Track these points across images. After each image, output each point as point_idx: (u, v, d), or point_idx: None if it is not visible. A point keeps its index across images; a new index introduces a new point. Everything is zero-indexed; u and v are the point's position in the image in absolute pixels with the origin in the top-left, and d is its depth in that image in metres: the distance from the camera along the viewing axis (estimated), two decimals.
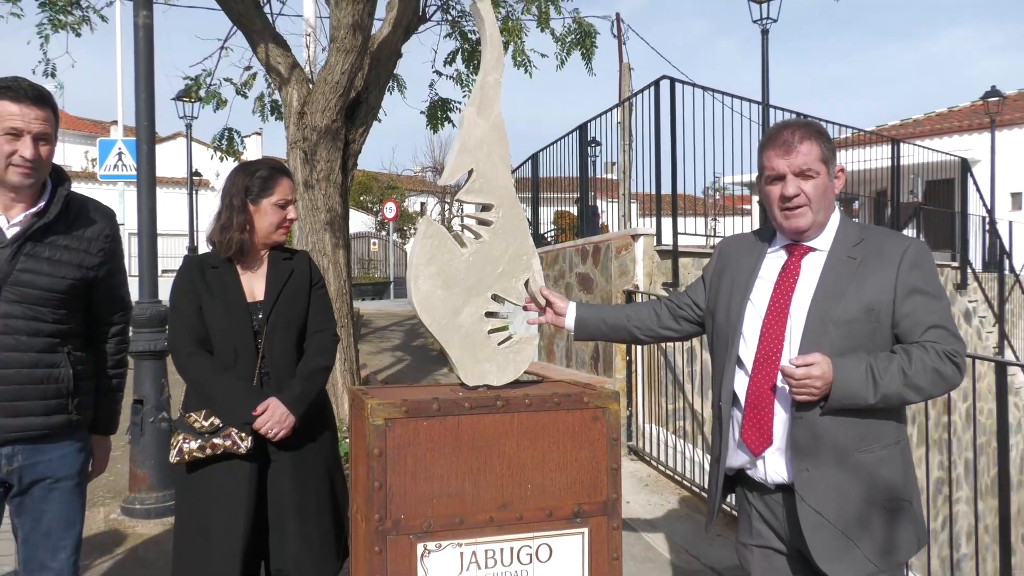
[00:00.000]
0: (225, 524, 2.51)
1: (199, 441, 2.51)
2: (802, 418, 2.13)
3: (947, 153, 13.79)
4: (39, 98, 2.28)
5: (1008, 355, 11.88)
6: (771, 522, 2.30)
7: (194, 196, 21.40)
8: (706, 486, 4.97)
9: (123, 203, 14.01)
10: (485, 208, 2.54)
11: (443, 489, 2.34)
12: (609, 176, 14.90)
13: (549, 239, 12.46)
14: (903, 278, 2.10)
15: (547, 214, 12.03)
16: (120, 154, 12.71)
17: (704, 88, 6.43)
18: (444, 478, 2.34)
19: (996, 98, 18.57)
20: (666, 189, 6.40)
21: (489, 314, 2.55)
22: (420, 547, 2.31)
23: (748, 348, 2.26)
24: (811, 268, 2.21)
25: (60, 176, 2.41)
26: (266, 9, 6.63)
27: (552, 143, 8.87)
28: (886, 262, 2.12)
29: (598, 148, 10.75)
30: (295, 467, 2.57)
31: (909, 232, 12.18)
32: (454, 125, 7.99)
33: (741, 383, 2.28)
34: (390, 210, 26.50)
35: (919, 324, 2.09)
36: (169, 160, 23.87)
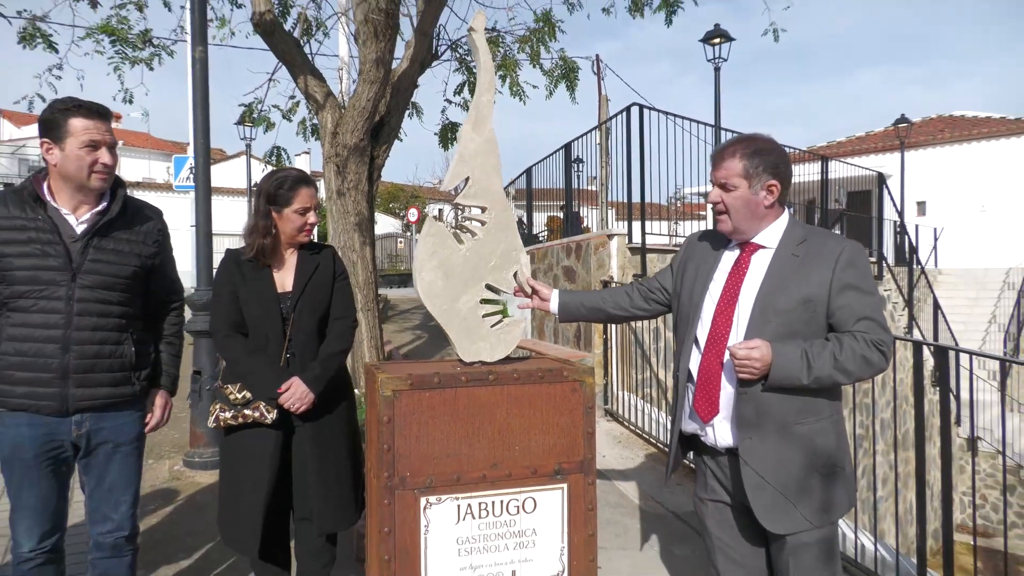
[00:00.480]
0: (253, 480, 2.38)
1: (232, 411, 2.37)
2: (746, 393, 2.00)
3: (866, 168, 13.61)
4: (104, 113, 2.22)
5: (916, 334, 11.75)
6: (722, 480, 2.17)
7: (251, 204, 21.23)
8: (668, 444, 4.85)
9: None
10: (480, 210, 2.40)
11: (443, 451, 2.20)
12: (591, 188, 14.87)
13: (541, 238, 12.30)
14: (839, 275, 1.96)
15: (540, 218, 11.93)
16: (192, 168, 12.54)
17: (667, 113, 6.27)
18: (444, 441, 2.20)
19: (905, 124, 18.48)
20: (636, 197, 6.26)
21: (483, 301, 2.40)
22: (423, 500, 2.17)
23: (703, 329, 2.12)
24: (760, 263, 2.07)
25: (118, 181, 2.30)
26: (306, 48, 6.45)
27: (542, 159, 8.72)
28: (825, 260, 1.98)
29: (581, 165, 10.62)
30: (315, 434, 2.43)
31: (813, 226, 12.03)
32: None
33: (695, 359, 2.14)
34: (413, 215, 26.43)
35: (851, 316, 1.95)
36: (233, 174, 23.65)
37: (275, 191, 2.43)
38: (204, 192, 4.29)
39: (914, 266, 12.95)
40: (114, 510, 2.31)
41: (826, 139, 25.13)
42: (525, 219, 10.40)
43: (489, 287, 2.40)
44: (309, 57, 6.08)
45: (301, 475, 2.45)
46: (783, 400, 1.97)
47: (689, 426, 2.19)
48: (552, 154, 8.29)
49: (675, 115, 6.35)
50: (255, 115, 7.01)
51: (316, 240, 2.65)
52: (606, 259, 6.12)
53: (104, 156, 2.18)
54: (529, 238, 9.94)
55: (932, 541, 7.86)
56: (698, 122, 6.63)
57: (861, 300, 1.96)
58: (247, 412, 2.35)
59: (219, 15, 6.20)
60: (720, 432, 2.09)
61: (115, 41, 4.95)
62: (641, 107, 6.01)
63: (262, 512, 2.35)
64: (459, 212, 2.48)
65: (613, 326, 6.00)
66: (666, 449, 4.86)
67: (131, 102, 6.59)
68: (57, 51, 4.88)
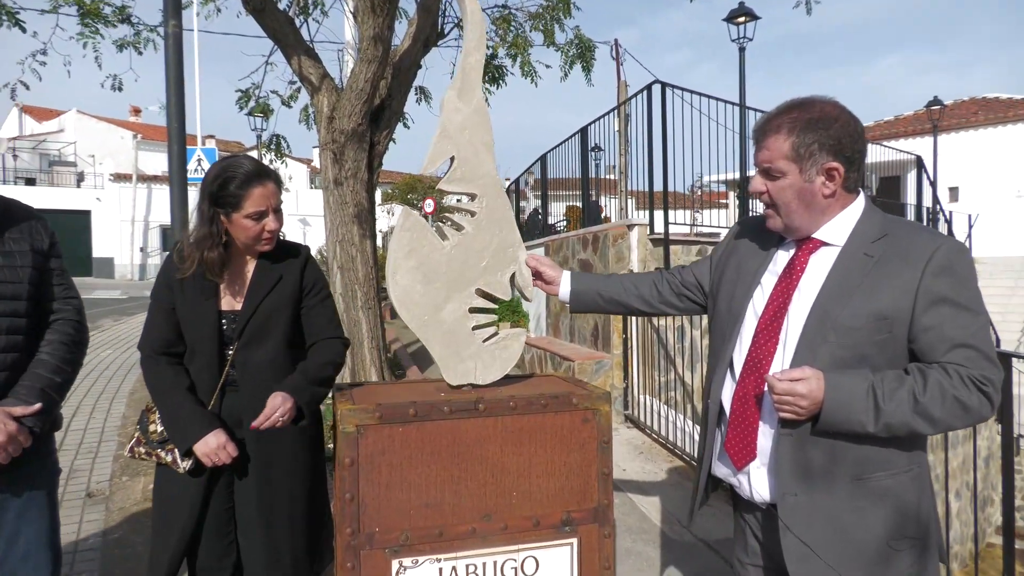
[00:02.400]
0: (170, 521, 1.95)
1: (146, 447, 1.94)
2: (790, 435, 1.50)
3: (904, 152, 12.89)
4: None
5: None
6: (764, 540, 1.68)
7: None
8: (696, 455, 4.37)
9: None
10: (468, 198, 1.93)
11: (421, 499, 1.75)
12: (611, 177, 14.38)
13: (560, 229, 11.80)
14: (928, 284, 1.43)
15: (560, 208, 11.44)
16: (199, 160, 12.22)
17: (692, 92, 5.75)
18: (422, 487, 1.75)
19: (938, 106, 17.70)
20: (658, 185, 5.75)
21: (473, 309, 1.94)
22: (396, 563, 1.73)
23: (740, 350, 1.64)
24: (820, 265, 1.56)
25: None
26: (304, 30, 5.99)
27: (558, 145, 8.21)
28: (909, 263, 1.45)
29: (600, 153, 10.11)
30: (263, 474, 1.97)
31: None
32: None
33: (728, 388, 1.66)
34: (429, 206, 26.01)
35: (943, 341, 1.43)
36: None
37: (220, 191, 1.92)
38: (180, 181, 3.87)
39: None
40: None
41: None
42: (540, 209, 9.91)
43: (480, 292, 1.94)
44: (304, 37, 5.63)
45: (245, 524, 1.99)
46: (841, 446, 1.48)
47: (720, 470, 1.72)
48: (567, 139, 7.77)
49: (701, 93, 5.83)
50: (252, 101, 6.56)
51: (287, 241, 2.15)
52: (625, 251, 5.63)
53: None
54: (545, 229, 9.45)
55: (970, 544, 7.32)
56: (724, 100, 6.09)
57: (959, 320, 1.44)
58: (160, 453, 1.92)
59: None
60: (757, 482, 1.61)
61: (84, 14, 4.53)
62: (664, 84, 5.49)
63: (176, 560, 1.91)
64: (443, 201, 2.00)
65: (633, 322, 5.51)
66: (692, 462, 4.38)
67: (120, 89, 6.20)
68: (24, 30, 4.49)
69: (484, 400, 1.80)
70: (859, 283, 1.48)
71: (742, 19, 11.84)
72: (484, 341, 1.95)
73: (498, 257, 1.94)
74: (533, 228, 10.39)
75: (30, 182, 30.50)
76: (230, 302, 1.99)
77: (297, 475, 2.00)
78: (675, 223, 6.28)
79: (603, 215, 13.18)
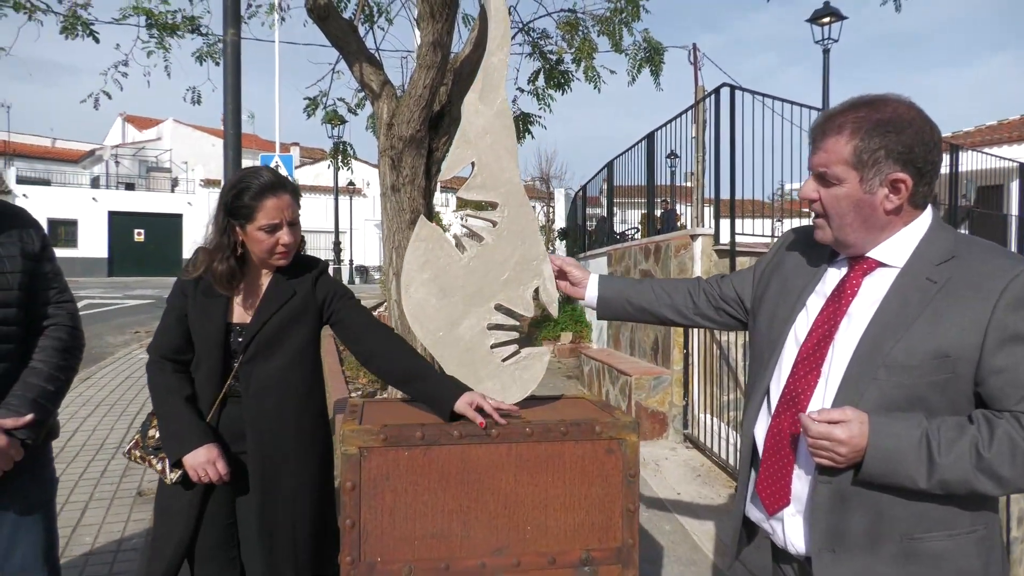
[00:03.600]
0: (167, 533, 1.88)
1: (141, 452, 1.90)
2: (829, 483, 1.30)
3: (1007, 159, 11.96)
4: None
5: None
6: None
7: (337, 202, 21.77)
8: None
9: None
10: (489, 207, 1.81)
11: (427, 529, 1.63)
12: (689, 184, 14.02)
13: (632, 237, 11.55)
14: (1002, 318, 1.22)
15: (635, 216, 11.15)
16: (276, 167, 12.61)
17: (762, 95, 5.44)
18: (428, 516, 1.64)
19: None
20: (725, 192, 5.47)
21: (492, 326, 1.82)
22: None
23: (780, 378, 1.43)
24: (874, 289, 1.35)
25: None
26: (369, 39, 6.04)
27: (625, 151, 7.99)
28: (980, 292, 1.24)
29: (676, 160, 9.80)
30: (266, 492, 1.89)
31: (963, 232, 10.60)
32: (533, 137, 7.20)
33: (762, 422, 1.46)
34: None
35: (1017, 386, 1.21)
36: (328, 173, 24.08)
37: (234, 201, 1.87)
38: None
39: None
40: None
41: (951, 129, 22.81)
42: (606, 215, 9.70)
43: (500, 308, 1.82)
44: (367, 45, 5.65)
45: (248, 539, 1.92)
46: (888, 500, 1.27)
47: (754, 513, 1.52)
48: (635, 145, 7.55)
49: (771, 96, 5.50)
50: (321, 109, 6.66)
51: (306, 255, 2.07)
52: (688, 262, 5.38)
53: None
54: (611, 237, 9.23)
55: None
56: (798, 104, 5.74)
57: None
58: (153, 460, 1.88)
59: (273, 1, 5.87)
60: (791, 531, 1.40)
61: (151, 24, 4.68)
62: (732, 87, 5.22)
63: (173, 570, 1.86)
64: (463, 210, 1.88)
65: (696, 336, 5.25)
66: None
67: (198, 102, 6.40)
68: (98, 41, 4.68)
69: (498, 425, 1.67)
70: (918, 313, 1.27)
71: (827, 19, 11.30)
72: (504, 360, 1.82)
73: (520, 270, 1.81)
74: (601, 235, 10.18)
75: (130, 187, 32.48)
76: (241, 314, 1.94)
77: (303, 495, 1.92)
78: (755, 234, 5.94)
79: (680, 223, 12.81)
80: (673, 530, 3.64)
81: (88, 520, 3.52)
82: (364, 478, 1.61)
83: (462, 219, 1.88)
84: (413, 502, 1.63)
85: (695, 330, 5.27)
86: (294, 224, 1.92)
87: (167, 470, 1.84)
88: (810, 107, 5.97)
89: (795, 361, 1.40)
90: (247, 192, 1.86)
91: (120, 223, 29.49)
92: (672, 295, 1.78)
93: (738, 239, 5.34)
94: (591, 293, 1.82)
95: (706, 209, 12.23)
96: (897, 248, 1.34)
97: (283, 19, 5.91)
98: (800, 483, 1.37)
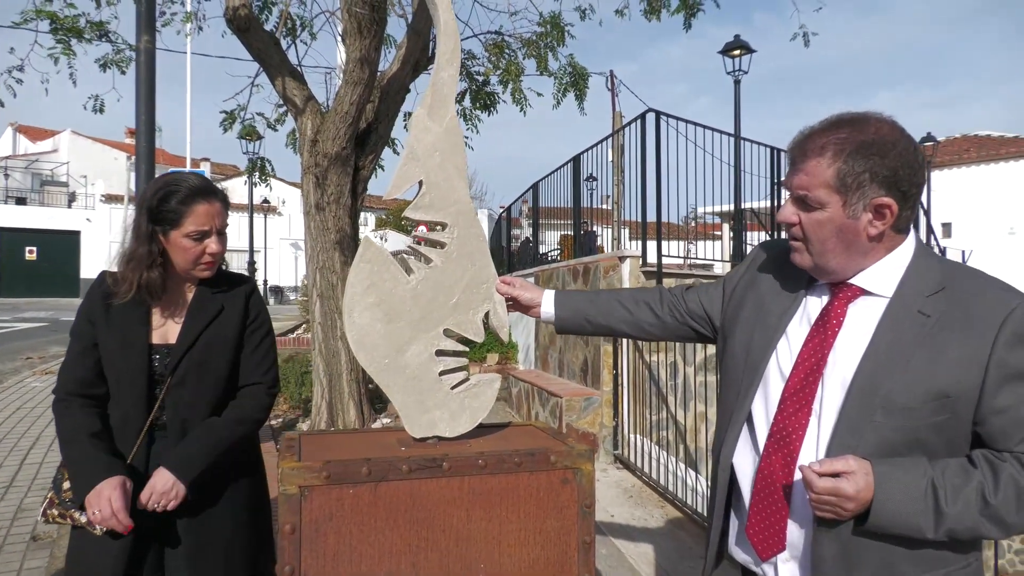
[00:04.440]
0: None
1: (60, 508, 1.69)
2: (830, 531, 1.25)
3: None
4: None
5: None
6: None
7: (252, 220, 20.90)
8: (688, 502, 4.11)
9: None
10: (439, 228, 1.73)
11: (373, 572, 1.52)
12: (605, 207, 14.29)
13: (554, 258, 11.65)
14: (1003, 355, 1.17)
15: (554, 237, 11.26)
16: None
17: (686, 121, 5.60)
18: (375, 558, 1.52)
19: (931, 143, 17.75)
20: (652, 215, 5.58)
21: (440, 352, 1.73)
22: None
23: (767, 411, 1.35)
24: (861, 319, 1.29)
25: None
26: (292, 53, 5.85)
27: (550, 173, 8.06)
28: (977, 327, 1.19)
29: (594, 183, 9.99)
30: (194, 533, 1.73)
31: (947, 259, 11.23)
32: None
33: (747, 459, 1.39)
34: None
35: (1019, 427, 1.18)
36: (241, 189, 23.17)
37: (159, 205, 1.72)
38: None
39: None
40: None
41: None
42: (531, 238, 9.74)
43: (449, 333, 1.73)
44: (289, 58, 5.47)
45: None
46: (888, 545, 1.23)
47: (740, 555, 1.46)
48: (560, 168, 7.63)
49: (695, 123, 5.68)
50: (238, 123, 6.38)
51: (231, 271, 1.95)
52: (617, 283, 5.43)
53: None
54: (536, 259, 9.27)
55: None
56: (718, 131, 5.95)
57: None
58: (75, 514, 1.66)
59: (189, 9, 5.60)
60: None
61: (56, 28, 4.36)
62: (658, 113, 5.35)
63: None
64: (410, 230, 1.79)
65: (625, 357, 5.29)
66: (684, 508, 4.13)
67: (101, 111, 6.00)
68: None
69: (449, 457, 1.58)
70: (914, 351, 1.20)
71: (737, 52, 11.84)
72: (452, 388, 1.73)
73: (470, 294, 1.74)
74: (525, 257, 10.21)
75: (20, 201, 30.28)
76: (163, 335, 1.77)
77: (233, 532, 1.76)
78: (668, 255, 6.09)
79: (599, 244, 12.98)
80: (609, 554, 3.60)
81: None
82: (305, 520, 1.48)
83: (383, 239, 1.79)
84: (359, 544, 1.51)
85: (624, 351, 5.32)
86: (222, 233, 1.80)
87: (94, 520, 1.63)
88: (728, 134, 6.20)
89: (782, 396, 1.32)
90: (175, 196, 1.72)
91: (9, 240, 27.44)
92: (634, 310, 1.70)
93: (663, 260, 5.45)
94: (547, 311, 1.74)
95: (623, 231, 12.52)
96: (883, 276, 1.29)
97: (200, 28, 5.65)
98: (796, 530, 1.30)
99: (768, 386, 1.36)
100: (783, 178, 1.36)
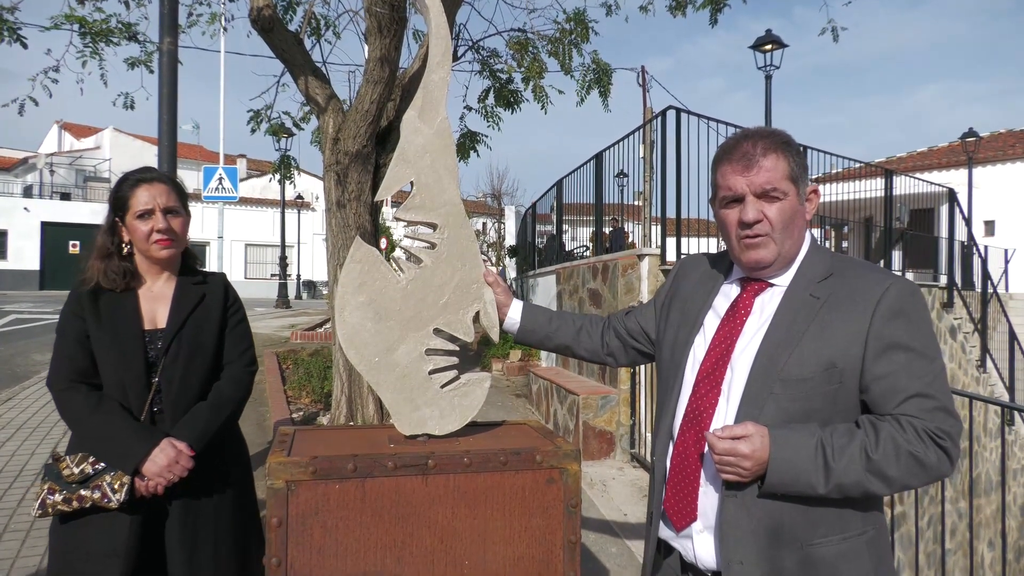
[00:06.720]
0: None
1: (64, 492, 1.75)
2: (735, 496, 1.36)
3: (937, 184, 12.49)
4: None
5: (988, 365, 10.64)
6: None
7: (284, 215, 21.16)
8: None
9: (222, 219, 13.61)
10: (429, 228, 1.75)
11: (358, 567, 1.55)
12: (638, 203, 14.24)
13: (583, 256, 11.62)
14: (879, 328, 1.33)
15: (585, 234, 11.23)
16: (220, 179, 12.25)
17: (706, 118, 5.55)
18: (360, 554, 1.55)
19: (973, 138, 17.28)
20: (672, 211, 5.53)
21: (430, 351, 1.75)
22: None
23: (682, 401, 1.50)
24: (765, 308, 1.46)
25: None
26: (316, 52, 5.93)
27: (574, 170, 8.04)
28: (858, 305, 1.35)
29: (625, 179, 9.93)
30: (188, 517, 1.80)
31: (896, 255, 11.02)
32: (479, 156, 7.19)
33: (670, 445, 1.52)
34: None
35: (896, 391, 1.32)
36: (276, 185, 23.55)
37: (115, 195, 1.90)
38: None
39: (987, 290, 11.79)
40: None
41: (884, 154, 23.74)
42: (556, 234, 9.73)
43: (439, 332, 1.75)
44: (313, 58, 5.55)
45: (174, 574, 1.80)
46: (791, 508, 1.34)
47: (663, 532, 1.55)
48: (584, 164, 7.61)
49: (715, 119, 5.62)
50: (263, 121, 6.49)
51: (203, 266, 2.10)
52: (636, 281, 5.41)
53: None
54: (560, 255, 9.26)
55: None
56: (740, 127, 5.87)
57: (912, 367, 1.32)
58: (83, 493, 1.73)
59: (213, 10, 5.71)
60: (701, 547, 1.45)
61: (84, 33, 4.49)
62: (678, 111, 5.30)
63: None
64: (401, 231, 1.83)
65: None
66: None
67: (131, 107, 6.16)
68: (25, 46, 4.46)
69: (435, 455, 1.60)
70: (805, 328, 1.37)
71: (768, 47, 11.66)
72: (442, 387, 1.75)
73: (460, 294, 1.76)
74: (550, 253, 10.21)
75: (65, 196, 31.21)
76: (152, 321, 1.90)
77: (226, 516, 1.85)
78: (700, 252, 6.04)
79: (629, 241, 12.91)
80: (619, 553, 3.60)
81: (1, 553, 3.29)
82: (291, 514, 1.52)
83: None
84: (344, 538, 1.55)
85: None
86: (170, 211, 1.90)
87: (109, 493, 1.71)
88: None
89: (695, 381, 1.46)
90: (123, 185, 1.89)
91: (54, 234, 28.29)
92: (588, 337, 1.82)
93: None
94: (512, 317, 1.82)
95: (654, 228, 12.45)
96: (786, 270, 1.47)
97: (225, 29, 5.76)
98: (707, 499, 1.42)
99: (686, 377, 1.49)
100: (728, 187, 1.44)
